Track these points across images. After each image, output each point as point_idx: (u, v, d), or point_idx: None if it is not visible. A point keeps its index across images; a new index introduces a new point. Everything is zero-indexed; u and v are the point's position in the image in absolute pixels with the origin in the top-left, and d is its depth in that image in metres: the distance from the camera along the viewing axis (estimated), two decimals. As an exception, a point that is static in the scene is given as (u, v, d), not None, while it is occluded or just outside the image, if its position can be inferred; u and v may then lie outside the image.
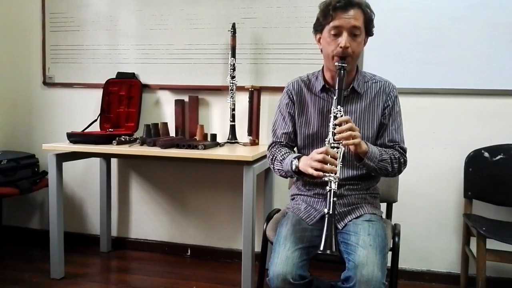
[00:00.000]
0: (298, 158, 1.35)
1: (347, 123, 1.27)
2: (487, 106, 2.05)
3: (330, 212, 1.21)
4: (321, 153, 1.24)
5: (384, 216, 1.63)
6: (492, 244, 1.75)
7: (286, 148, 1.49)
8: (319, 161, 1.23)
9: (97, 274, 2.26)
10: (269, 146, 1.53)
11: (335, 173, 1.23)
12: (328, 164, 1.22)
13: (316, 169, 1.23)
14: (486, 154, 2.00)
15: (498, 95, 2.03)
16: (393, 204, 1.77)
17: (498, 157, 1.98)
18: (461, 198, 2.05)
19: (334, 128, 1.27)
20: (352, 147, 1.29)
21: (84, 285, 2.08)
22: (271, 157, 1.49)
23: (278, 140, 1.51)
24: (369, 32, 1.38)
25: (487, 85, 2.03)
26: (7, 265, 2.30)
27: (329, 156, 1.23)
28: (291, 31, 2.21)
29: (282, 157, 1.43)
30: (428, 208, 2.14)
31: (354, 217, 1.40)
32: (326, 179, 1.22)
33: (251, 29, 2.26)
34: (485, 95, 2.04)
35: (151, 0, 2.39)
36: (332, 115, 1.30)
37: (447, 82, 2.07)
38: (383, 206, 1.67)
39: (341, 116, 1.29)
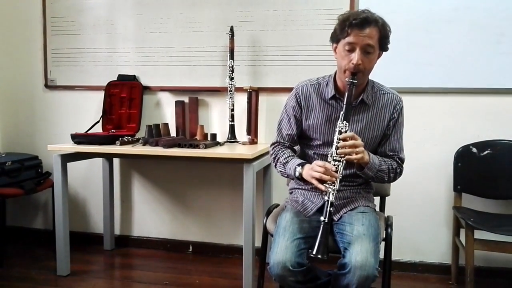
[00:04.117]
0: (302, 165, 1.44)
1: (351, 139, 1.34)
2: (475, 104, 2.15)
3: (326, 221, 1.31)
4: (320, 166, 1.33)
5: (377, 209, 1.72)
6: (480, 234, 1.84)
7: (289, 150, 1.56)
8: (319, 172, 1.33)
9: (102, 271, 2.33)
10: (273, 144, 1.60)
11: (334, 185, 1.32)
12: (328, 176, 1.32)
13: (317, 179, 1.33)
14: (474, 150, 2.09)
15: (484, 94, 2.13)
16: (386, 198, 1.84)
17: (486, 152, 2.08)
18: (451, 192, 2.15)
19: (338, 142, 1.35)
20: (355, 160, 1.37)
21: (90, 281, 2.15)
22: (273, 156, 1.57)
23: (282, 141, 1.58)
24: (383, 47, 1.41)
25: (474, 84, 2.13)
26: (13, 263, 2.35)
27: (329, 170, 1.32)
28: (287, 34, 2.30)
29: (286, 160, 1.51)
30: (420, 202, 2.23)
31: (349, 209, 1.48)
32: (323, 189, 1.32)
33: (249, 32, 2.34)
34: (472, 93, 2.14)
35: (150, 4, 2.46)
36: (337, 129, 1.37)
37: (436, 81, 2.16)
38: (377, 199, 1.75)
39: (346, 131, 1.36)
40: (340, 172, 1.34)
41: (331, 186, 1.32)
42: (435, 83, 2.17)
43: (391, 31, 1.41)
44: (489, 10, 2.08)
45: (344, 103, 1.39)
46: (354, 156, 1.33)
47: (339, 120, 1.38)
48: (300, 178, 1.43)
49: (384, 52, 1.44)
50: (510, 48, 2.07)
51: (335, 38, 1.42)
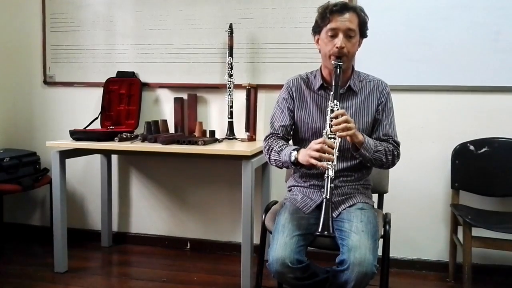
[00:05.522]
0: (297, 150, 1.43)
1: (342, 115, 1.36)
2: (472, 101, 2.16)
3: (328, 197, 1.30)
4: (319, 143, 1.34)
5: (375, 206, 1.72)
6: (478, 232, 1.85)
7: (283, 141, 1.56)
8: (317, 150, 1.32)
9: (100, 268, 2.32)
10: (266, 137, 1.60)
11: (332, 161, 1.33)
12: (326, 153, 1.32)
13: (315, 158, 1.32)
14: (472, 147, 2.10)
15: (482, 91, 2.13)
16: (384, 195, 1.85)
17: (483, 149, 2.09)
18: (448, 189, 2.15)
19: (331, 121, 1.37)
20: (348, 138, 1.38)
21: (88, 278, 2.15)
22: (267, 147, 1.56)
23: (275, 132, 1.58)
24: (363, 34, 1.50)
25: (471, 82, 2.13)
26: (10, 260, 2.35)
27: (327, 146, 1.33)
28: (285, 31, 2.30)
29: (280, 148, 1.50)
30: (418, 199, 2.24)
31: (347, 205, 1.49)
32: (325, 165, 1.32)
33: (248, 29, 2.34)
34: (469, 91, 2.15)
35: (149, 1, 2.46)
36: (329, 109, 1.40)
37: (434, 79, 2.17)
38: (375, 196, 1.76)
39: (337, 109, 1.39)
40: (337, 149, 1.36)
41: (330, 163, 1.32)
42: (432, 81, 2.17)
43: (369, 19, 1.50)
44: (486, 8, 2.09)
45: (333, 84, 1.43)
46: (346, 132, 1.35)
47: (329, 101, 1.42)
48: (296, 164, 1.42)
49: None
50: (507, 46, 2.08)
51: (317, 29, 1.50)
